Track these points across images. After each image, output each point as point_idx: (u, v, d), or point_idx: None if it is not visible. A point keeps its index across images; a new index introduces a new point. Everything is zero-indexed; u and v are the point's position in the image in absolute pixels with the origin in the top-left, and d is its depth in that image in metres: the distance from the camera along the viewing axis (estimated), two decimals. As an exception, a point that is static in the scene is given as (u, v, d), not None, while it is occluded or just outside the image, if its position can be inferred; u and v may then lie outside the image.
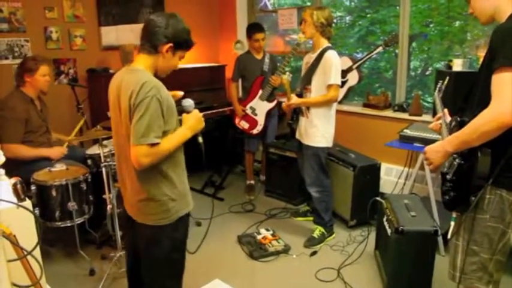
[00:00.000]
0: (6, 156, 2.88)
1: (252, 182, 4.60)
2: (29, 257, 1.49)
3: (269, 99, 4.24)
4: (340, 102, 4.33)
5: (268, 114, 4.29)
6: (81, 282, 2.93)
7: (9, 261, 1.46)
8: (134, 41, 4.50)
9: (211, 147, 2.09)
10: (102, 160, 2.94)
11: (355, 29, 5.19)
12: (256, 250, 3.28)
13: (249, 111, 4.28)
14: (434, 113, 3.16)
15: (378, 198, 3.07)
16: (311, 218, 3.70)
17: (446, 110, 2.04)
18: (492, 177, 1.65)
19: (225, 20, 5.62)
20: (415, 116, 3.91)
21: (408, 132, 3.37)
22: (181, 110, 1.96)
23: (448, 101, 2.33)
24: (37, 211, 2.85)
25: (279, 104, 4.11)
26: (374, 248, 3.22)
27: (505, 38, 1.57)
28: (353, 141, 4.22)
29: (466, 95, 1.90)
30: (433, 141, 1.93)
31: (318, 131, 3.27)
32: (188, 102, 1.98)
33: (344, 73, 4.12)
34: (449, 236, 1.90)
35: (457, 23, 4.24)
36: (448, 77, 2.24)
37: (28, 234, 1.84)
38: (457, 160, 1.77)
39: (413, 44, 4.52)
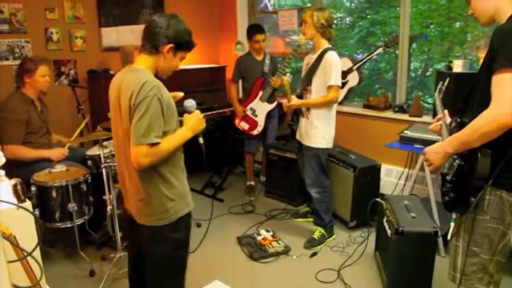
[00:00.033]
0: (6, 157, 2.89)
1: (252, 183, 4.60)
2: (29, 258, 1.48)
3: (269, 100, 4.24)
4: (340, 103, 4.33)
5: (269, 115, 4.29)
6: (81, 283, 2.93)
7: (10, 262, 1.45)
8: (134, 42, 4.50)
9: (211, 148, 2.09)
10: (102, 161, 2.94)
11: (355, 30, 5.19)
12: (256, 251, 3.28)
13: (249, 112, 4.28)
14: (435, 114, 3.17)
15: (378, 199, 3.07)
16: (311, 219, 3.70)
17: (446, 111, 2.04)
18: (492, 178, 1.65)
19: (225, 21, 5.62)
20: (415, 117, 3.91)
21: (408, 133, 3.37)
22: (182, 111, 1.96)
23: (449, 102, 2.33)
24: (37, 212, 2.86)
25: (280, 104, 4.11)
26: (374, 249, 3.22)
27: (505, 39, 1.57)
28: (353, 142, 4.22)
29: (466, 96, 1.90)
30: (433, 142, 1.93)
31: (318, 132, 3.27)
32: (190, 103, 1.98)
33: (344, 74, 4.12)
34: (449, 237, 1.90)
35: (458, 24, 4.24)
36: (448, 78, 2.24)
37: (28, 235, 1.84)
38: (457, 161, 1.77)
39: (414, 45, 4.52)
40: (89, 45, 4.48)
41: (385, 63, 5.15)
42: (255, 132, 4.31)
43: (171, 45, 1.83)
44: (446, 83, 2.16)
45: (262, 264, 3.18)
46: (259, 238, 3.44)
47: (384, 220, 2.91)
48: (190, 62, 5.07)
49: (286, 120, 3.60)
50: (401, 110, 4.09)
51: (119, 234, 2.97)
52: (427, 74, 4.87)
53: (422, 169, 3.33)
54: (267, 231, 3.56)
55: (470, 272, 1.78)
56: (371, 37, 5.04)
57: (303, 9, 4.62)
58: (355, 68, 4.25)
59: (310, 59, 3.32)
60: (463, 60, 3.48)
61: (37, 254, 1.53)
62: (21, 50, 4.02)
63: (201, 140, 2.03)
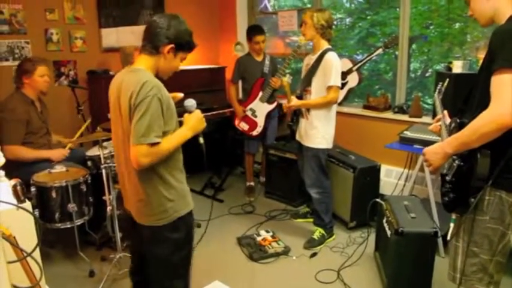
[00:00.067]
0: (6, 158, 2.89)
1: (252, 183, 4.60)
2: (28, 259, 1.49)
3: (269, 101, 4.24)
4: (340, 104, 4.33)
5: (268, 115, 4.29)
6: (80, 284, 2.93)
7: (9, 262, 1.46)
8: (134, 43, 4.51)
9: (211, 148, 2.09)
10: (102, 161, 2.94)
11: (355, 31, 5.19)
12: (256, 252, 3.28)
13: (249, 113, 4.28)
14: (434, 115, 3.16)
15: (377, 200, 3.07)
16: (311, 220, 3.70)
17: (446, 112, 2.04)
18: (492, 178, 1.65)
19: (225, 21, 5.62)
20: (415, 117, 3.91)
21: (408, 133, 3.37)
22: (182, 111, 1.96)
23: (448, 103, 2.33)
24: (37, 212, 2.85)
25: (279, 105, 4.11)
26: (374, 250, 3.22)
27: (504, 39, 1.58)
28: (353, 142, 4.23)
29: (466, 97, 1.90)
30: (433, 143, 1.93)
31: (318, 132, 3.27)
32: (190, 102, 1.98)
33: (344, 75, 4.12)
34: (448, 238, 1.90)
35: (457, 25, 4.24)
36: (447, 79, 2.24)
37: (28, 235, 1.84)
38: (456, 162, 1.77)
39: (413, 46, 4.52)
40: (88, 46, 4.48)
41: (384, 64, 5.15)
42: (254, 133, 4.31)
43: (172, 45, 1.83)
44: (445, 84, 2.16)
45: (262, 265, 3.18)
46: (259, 239, 3.44)
47: (384, 220, 2.91)
48: (190, 62, 5.07)
49: (286, 121, 3.60)
50: (401, 110, 4.09)
51: (118, 235, 2.97)
52: (427, 74, 4.87)
53: (422, 170, 3.33)
54: (267, 231, 3.56)
55: (470, 273, 1.78)
56: (371, 38, 5.04)
57: (303, 10, 4.63)
58: (354, 68, 4.25)
59: (310, 59, 3.33)
60: (463, 61, 3.49)
61: (37, 254, 1.54)
62: (21, 51, 4.03)
63: (201, 140, 2.03)
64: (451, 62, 3.56)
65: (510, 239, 1.73)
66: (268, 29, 5.37)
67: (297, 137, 3.50)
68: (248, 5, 5.50)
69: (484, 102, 1.62)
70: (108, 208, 2.98)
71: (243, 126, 4.32)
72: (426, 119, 3.83)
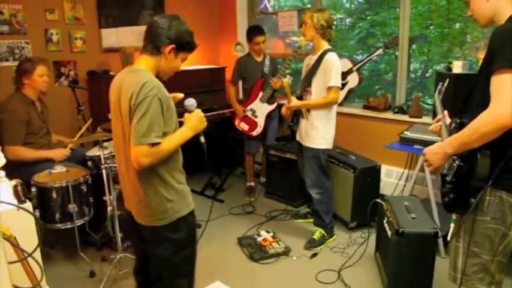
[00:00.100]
0: (8, 159, 2.90)
1: (252, 183, 4.60)
2: (29, 259, 1.49)
3: (269, 101, 4.25)
4: (340, 104, 4.33)
5: (269, 116, 4.29)
6: (81, 284, 2.93)
7: (10, 263, 1.46)
8: (135, 43, 4.52)
9: (211, 149, 2.09)
10: (103, 162, 2.94)
11: (355, 31, 5.19)
12: (256, 252, 3.28)
13: (249, 113, 4.28)
14: (434, 115, 3.16)
15: (378, 200, 3.07)
16: (311, 220, 3.70)
17: (446, 112, 2.04)
18: (492, 178, 1.65)
19: (225, 22, 5.63)
20: (415, 118, 3.91)
21: (408, 134, 3.37)
22: (182, 111, 1.96)
23: (448, 103, 2.34)
24: (37, 213, 2.85)
25: (280, 106, 4.11)
26: (374, 250, 3.22)
27: (503, 39, 1.58)
28: (353, 143, 4.23)
29: (466, 97, 1.90)
30: (433, 143, 1.93)
31: (319, 132, 3.27)
32: (190, 102, 1.98)
33: (344, 75, 4.12)
34: (449, 238, 1.90)
35: (457, 25, 4.24)
36: (448, 79, 2.24)
37: (28, 236, 1.84)
38: (456, 162, 1.77)
39: (413, 46, 4.52)
40: (89, 46, 4.48)
41: (384, 64, 5.15)
42: (254, 133, 4.31)
43: (173, 46, 1.84)
44: (446, 84, 2.16)
45: (263, 265, 3.18)
46: (259, 239, 3.44)
47: (384, 221, 2.91)
48: (190, 63, 5.05)
49: (286, 121, 3.60)
50: (401, 110, 4.09)
51: (119, 235, 2.97)
52: (427, 75, 4.88)
53: (422, 170, 3.33)
54: (267, 232, 3.56)
55: (471, 273, 1.78)
56: (371, 38, 5.04)
57: (303, 10, 4.63)
58: (355, 69, 4.25)
59: (310, 60, 3.33)
60: (463, 61, 3.49)
61: (37, 255, 1.54)
62: (21, 51, 4.03)
63: (202, 139, 2.03)
64: (451, 62, 3.56)
65: (511, 239, 1.72)
66: (268, 29, 5.38)
67: (297, 138, 3.50)
68: (248, 5, 5.50)
69: (484, 102, 1.62)
70: (109, 208, 2.99)
71: (243, 126, 4.32)
72: (426, 119, 3.83)
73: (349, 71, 4.24)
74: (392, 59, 4.82)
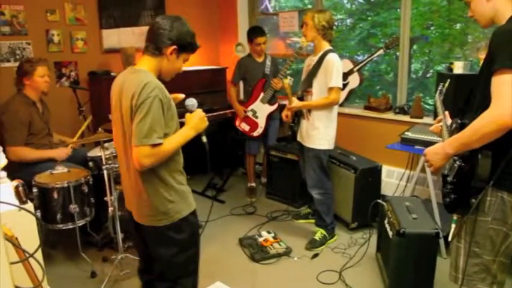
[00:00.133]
0: (10, 159, 2.91)
1: (253, 184, 4.60)
2: (31, 260, 1.49)
3: (270, 102, 4.25)
4: (341, 105, 4.32)
5: (269, 117, 4.30)
6: (82, 285, 2.93)
7: (12, 263, 1.46)
8: (135, 44, 4.52)
9: (212, 149, 2.09)
10: (104, 162, 2.94)
11: (356, 32, 5.19)
12: (257, 252, 3.28)
13: (250, 114, 4.28)
14: (435, 116, 3.17)
15: (379, 201, 3.06)
16: (312, 221, 3.70)
17: (447, 112, 2.04)
18: (493, 179, 1.65)
19: (226, 22, 5.63)
20: (416, 118, 3.91)
21: (409, 134, 3.37)
22: (183, 111, 1.96)
23: (449, 104, 2.34)
24: (39, 213, 2.85)
25: (281, 106, 4.11)
26: (375, 251, 3.22)
27: (504, 40, 1.58)
28: (354, 143, 4.23)
29: (467, 97, 1.90)
30: (434, 143, 1.93)
31: (320, 133, 3.27)
32: (191, 102, 1.98)
33: (345, 76, 4.12)
34: (450, 238, 1.90)
35: (458, 26, 4.24)
36: (449, 80, 2.24)
37: (30, 236, 1.85)
38: (457, 162, 1.77)
39: (414, 47, 4.52)
40: (89, 46, 4.49)
41: (385, 65, 5.15)
42: (255, 134, 4.31)
43: (175, 47, 1.84)
44: (446, 85, 2.16)
45: (264, 266, 3.18)
46: (260, 239, 3.44)
47: (385, 221, 2.91)
48: (191, 63, 5.06)
49: (287, 122, 3.60)
50: (402, 111, 4.08)
51: (120, 236, 2.97)
52: (428, 75, 4.87)
53: (423, 170, 3.33)
54: (269, 232, 3.56)
55: (472, 273, 1.78)
56: (372, 39, 5.04)
57: (304, 11, 4.63)
58: (355, 69, 4.25)
59: (311, 60, 3.33)
60: (464, 61, 3.49)
61: (39, 255, 1.54)
62: (23, 52, 4.04)
63: (204, 139, 2.03)
64: (452, 63, 3.56)
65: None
66: (269, 30, 5.38)
67: (298, 138, 3.50)
68: (249, 6, 5.50)
69: (484, 102, 1.62)
70: (110, 209, 2.99)
71: (244, 126, 4.32)
72: (427, 119, 3.82)
73: (350, 72, 4.24)
74: (393, 60, 4.82)
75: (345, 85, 4.18)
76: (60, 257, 3.29)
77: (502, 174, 1.64)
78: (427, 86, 4.77)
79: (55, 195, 2.87)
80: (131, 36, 4.75)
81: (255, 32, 4.22)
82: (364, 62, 4.23)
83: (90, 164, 3.33)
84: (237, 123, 4.36)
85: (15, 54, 4.00)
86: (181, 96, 2.08)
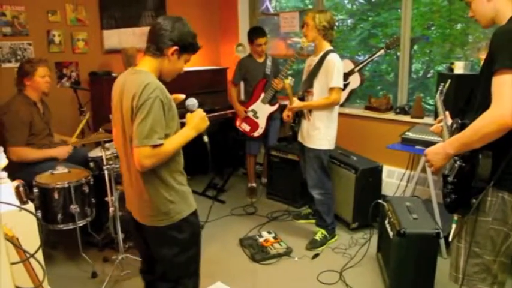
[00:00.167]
0: (12, 160, 2.92)
1: (254, 184, 4.60)
2: (31, 260, 1.49)
3: (271, 102, 4.25)
4: (342, 105, 4.32)
5: (270, 117, 4.30)
6: (83, 285, 2.93)
7: (12, 263, 1.46)
8: (136, 44, 4.52)
9: (212, 149, 2.09)
10: (104, 163, 2.94)
11: (356, 32, 5.19)
12: (258, 253, 3.28)
13: (250, 114, 4.29)
14: (436, 116, 3.16)
15: (379, 201, 3.06)
16: (313, 221, 3.70)
17: (447, 113, 2.04)
18: (493, 179, 1.65)
19: (226, 22, 5.63)
20: (416, 118, 3.91)
21: (410, 134, 3.37)
22: (184, 112, 1.96)
23: (450, 104, 2.33)
24: (39, 214, 2.86)
25: (281, 107, 4.11)
26: (376, 251, 3.22)
27: (504, 40, 1.58)
28: (355, 143, 4.22)
29: (468, 98, 1.90)
30: (434, 143, 1.93)
31: (320, 133, 3.27)
32: (192, 102, 1.98)
33: (346, 76, 4.12)
34: (450, 239, 1.90)
35: (459, 26, 4.24)
36: (449, 80, 2.24)
37: (31, 236, 1.85)
38: (458, 162, 1.77)
39: (415, 47, 4.52)
40: (90, 47, 4.49)
41: (386, 65, 5.15)
42: (255, 134, 4.31)
43: (176, 47, 1.84)
44: (447, 85, 2.16)
45: (264, 266, 3.18)
46: (261, 240, 3.44)
47: (386, 221, 2.91)
48: (191, 64, 5.03)
49: (288, 122, 3.60)
50: (402, 111, 4.08)
51: (121, 236, 2.97)
52: (429, 75, 4.87)
53: (424, 170, 3.33)
54: (269, 232, 3.56)
55: (473, 273, 1.78)
56: (372, 39, 5.04)
57: (305, 12, 4.63)
58: (356, 69, 4.25)
59: (312, 61, 3.33)
60: (464, 61, 3.49)
61: (39, 255, 1.54)
62: (24, 53, 4.04)
63: (205, 139, 2.03)
64: (452, 63, 3.56)
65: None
66: (269, 30, 5.37)
67: (299, 138, 3.50)
68: (250, 6, 5.50)
69: (485, 103, 1.62)
70: (111, 209, 2.99)
71: (244, 127, 4.33)
72: (428, 119, 3.83)
73: (351, 72, 4.24)
74: (394, 60, 4.82)
75: (345, 85, 4.18)
76: (60, 257, 3.29)
77: (502, 174, 1.64)
78: (428, 86, 4.76)
79: (56, 196, 2.87)
80: (132, 37, 4.75)
81: (255, 33, 4.22)
82: (365, 62, 4.23)
83: (91, 164, 3.34)
84: (238, 123, 4.36)
85: (16, 55, 4.00)
86: (182, 96, 2.08)
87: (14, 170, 2.61)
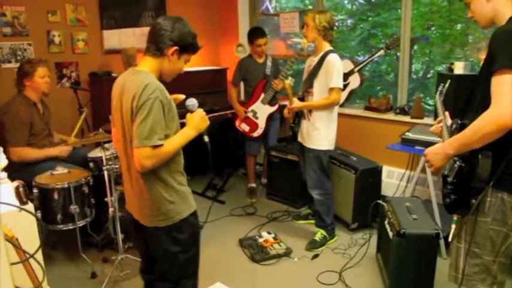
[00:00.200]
0: (13, 160, 2.92)
1: (254, 185, 4.60)
2: (31, 260, 1.49)
3: (271, 103, 4.25)
4: (341, 105, 4.32)
5: (270, 117, 4.30)
6: (82, 285, 2.93)
7: (12, 264, 1.46)
8: (136, 45, 4.53)
9: (212, 149, 2.09)
10: (104, 163, 2.94)
11: (356, 32, 5.20)
12: (257, 253, 3.28)
13: (250, 114, 4.29)
14: (436, 116, 3.16)
15: (379, 201, 3.06)
16: (313, 221, 3.70)
17: (447, 113, 2.04)
18: (493, 179, 1.65)
19: (226, 23, 5.63)
20: (416, 118, 3.91)
21: (410, 135, 3.37)
22: (184, 112, 1.96)
23: (449, 104, 2.34)
24: (39, 214, 2.86)
25: (281, 107, 4.12)
26: (376, 251, 3.22)
27: (503, 40, 1.58)
28: (355, 144, 4.23)
29: (467, 98, 1.90)
30: (434, 144, 1.93)
31: (320, 133, 3.28)
32: (192, 102, 1.98)
33: (346, 76, 4.12)
34: (450, 239, 1.90)
35: (459, 26, 4.24)
36: (449, 80, 2.24)
37: (30, 237, 1.85)
38: (457, 163, 1.77)
39: (415, 47, 4.53)
40: (90, 47, 4.49)
41: (386, 65, 5.16)
42: (255, 134, 4.31)
43: (176, 47, 1.84)
44: (447, 85, 2.16)
45: (264, 266, 3.18)
46: (260, 240, 3.44)
47: (386, 222, 2.91)
48: (191, 64, 5.03)
49: (287, 122, 3.60)
50: (402, 111, 4.08)
51: (120, 236, 2.97)
52: (428, 75, 4.88)
53: (423, 171, 3.33)
54: (269, 233, 3.56)
55: (472, 273, 1.78)
56: (372, 39, 5.04)
57: (305, 12, 4.63)
58: (356, 70, 4.25)
59: (312, 61, 3.33)
60: (464, 62, 3.49)
61: (39, 256, 1.54)
62: (24, 53, 4.04)
63: (206, 138, 2.03)
64: (452, 63, 3.56)
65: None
66: (269, 31, 5.37)
67: (299, 139, 3.50)
68: (250, 7, 5.50)
69: (485, 103, 1.62)
70: (110, 210, 2.99)
71: (244, 127, 4.33)
72: (428, 120, 3.83)
73: (351, 72, 4.24)
74: (393, 60, 4.83)
75: (345, 85, 4.18)
76: (60, 257, 3.29)
77: (502, 174, 1.64)
78: (428, 87, 4.77)
79: (55, 196, 2.87)
80: (132, 37, 4.75)
81: (255, 34, 4.22)
82: (365, 63, 4.24)
83: (91, 164, 3.33)
84: (237, 123, 4.36)
85: (16, 55, 4.01)
86: (182, 96, 2.08)
87: (14, 170, 2.60)
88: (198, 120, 1.92)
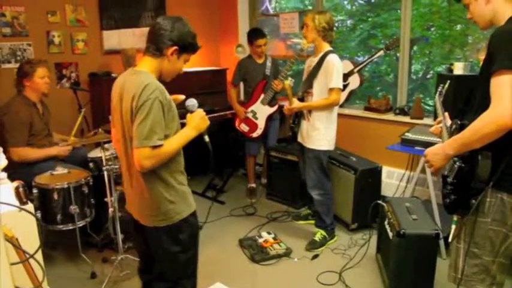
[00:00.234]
0: (13, 160, 2.92)
1: (253, 185, 4.60)
2: (31, 260, 1.49)
3: (271, 103, 4.25)
4: (341, 106, 4.32)
5: (269, 118, 4.30)
6: (82, 285, 2.93)
7: (12, 264, 1.46)
8: (136, 45, 4.53)
9: (212, 150, 2.10)
10: (104, 163, 2.94)
11: (356, 33, 5.20)
12: (257, 253, 3.28)
13: (249, 115, 4.29)
14: (436, 117, 3.16)
15: (379, 202, 3.06)
16: (312, 222, 3.70)
17: (447, 114, 2.04)
18: (493, 180, 1.65)
19: (226, 23, 5.63)
20: (416, 119, 3.91)
21: (409, 135, 3.37)
22: (184, 112, 1.96)
23: (449, 105, 2.34)
24: (39, 214, 2.86)
25: (281, 107, 4.12)
26: (375, 252, 3.22)
27: (503, 41, 1.58)
28: (354, 144, 4.23)
29: (467, 98, 1.90)
30: (434, 144, 1.93)
31: (320, 134, 3.28)
32: (192, 102, 1.99)
33: (345, 77, 4.12)
34: (450, 239, 1.90)
35: (458, 27, 4.25)
36: (449, 81, 2.24)
37: (30, 237, 1.85)
38: (457, 163, 1.77)
39: (415, 48, 4.53)
40: (90, 48, 4.49)
41: (386, 66, 5.16)
42: (254, 135, 4.31)
43: (175, 47, 1.84)
44: (446, 86, 2.16)
45: (264, 267, 3.18)
46: (260, 240, 3.44)
47: (386, 222, 2.91)
48: (191, 64, 5.04)
49: (287, 123, 3.61)
50: (402, 112, 4.09)
51: (120, 237, 2.97)
52: (428, 76, 4.88)
53: (423, 171, 3.33)
54: (269, 233, 3.56)
55: (472, 274, 1.78)
56: (372, 40, 5.05)
57: (304, 12, 4.63)
58: (356, 70, 4.25)
59: (312, 61, 3.33)
60: (464, 62, 3.49)
61: (39, 256, 1.54)
62: (23, 53, 4.04)
63: (206, 138, 2.03)
64: (452, 64, 3.57)
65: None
66: (269, 31, 5.38)
67: (299, 139, 3.51)
68: (249, 7, 5.50)
69: (484, 103, 1.62)
70: (110, 210, 2.99)
71: (244, 127, 4.33)
72: (427, 120, 3.83)
73: (350, 73, 4.24)
74: (393, 61, 4.83)
75: (345, 86, 4.18)
76: (60, 257, 3.29)
77: (501, 175, 1.64)
78: (427, 87, 4.77)
79: (55, 196, 2.88)
80: (132, 37, 4.75)
81: (255, 34, 4.23)
82: (365, 63, 4.24)
83: (91, 165, 3.34)
84: (237, 123, 4.36)
85: (15, 56, 4.01)
86: (182, 97, 2.08)
87: (14, 170, 2.61)
88: (198, 120, 1.92)
